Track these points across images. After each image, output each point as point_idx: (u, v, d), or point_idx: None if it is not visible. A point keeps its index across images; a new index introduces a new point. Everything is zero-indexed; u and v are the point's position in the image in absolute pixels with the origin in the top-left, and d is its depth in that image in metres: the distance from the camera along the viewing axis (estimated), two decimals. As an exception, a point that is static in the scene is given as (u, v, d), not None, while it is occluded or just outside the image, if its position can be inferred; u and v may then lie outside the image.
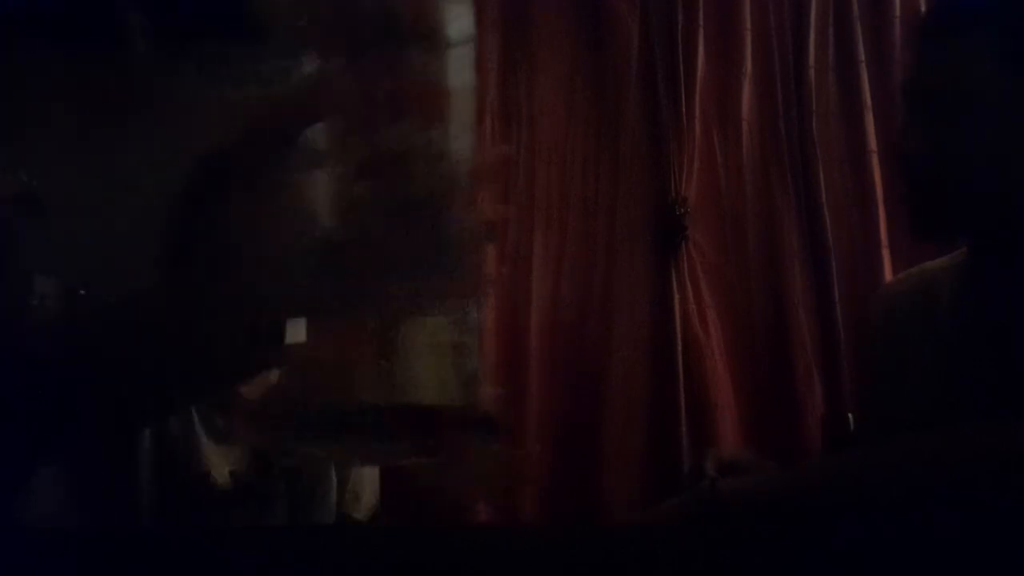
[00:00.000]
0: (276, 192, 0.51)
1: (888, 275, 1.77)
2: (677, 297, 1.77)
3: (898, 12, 1.99)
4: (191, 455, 1.01)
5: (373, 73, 0.37)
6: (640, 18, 1.92)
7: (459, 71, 0.43)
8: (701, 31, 1.91)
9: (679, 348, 1.74)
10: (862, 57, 1.95)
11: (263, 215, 0.50)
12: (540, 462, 1.66)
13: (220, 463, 1.05)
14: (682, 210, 1.80)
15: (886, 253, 1.84)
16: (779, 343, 1.81)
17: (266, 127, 0.49)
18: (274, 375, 1.20)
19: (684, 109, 1.85)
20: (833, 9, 2.01)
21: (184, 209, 0.63)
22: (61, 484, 1.03)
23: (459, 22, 0.43)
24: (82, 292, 1.91)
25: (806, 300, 1.86)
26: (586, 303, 1.80)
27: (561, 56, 1.93)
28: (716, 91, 1.92)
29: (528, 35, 1.93)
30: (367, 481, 1.18)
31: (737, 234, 1.86)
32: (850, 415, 1.29)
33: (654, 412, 1.74)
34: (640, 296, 1.79)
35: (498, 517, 1.55)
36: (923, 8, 2.00)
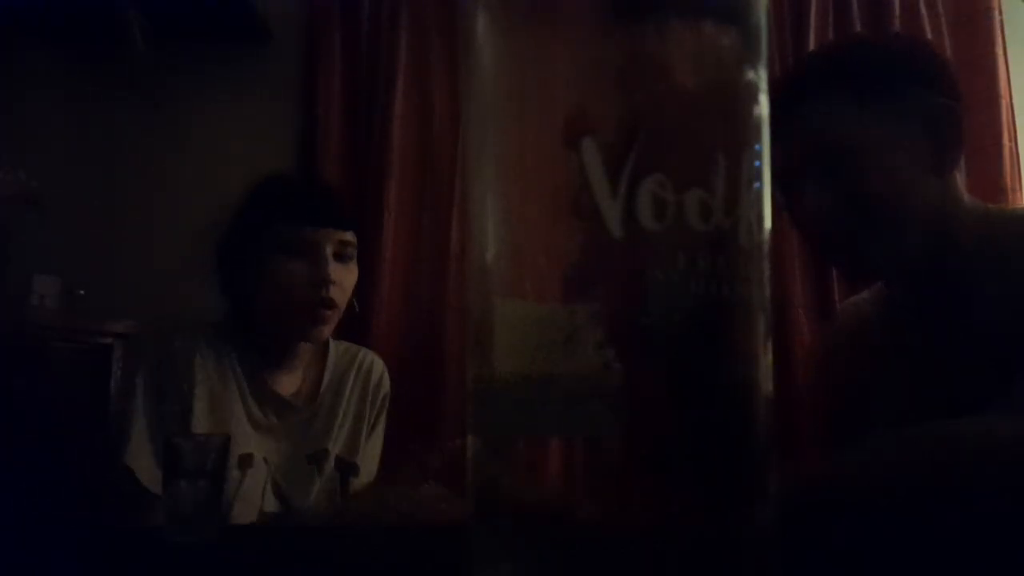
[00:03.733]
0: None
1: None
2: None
3: (898, 12, 1.99)
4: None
5: None
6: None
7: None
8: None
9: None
10: (862, 57, 1.95)
11: None
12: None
13: (260, 450, 1.13)
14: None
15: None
16: (779, 343, 1.81)
17: None
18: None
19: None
20: (833, 9, 2.01)
21: None
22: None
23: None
24: (81, 292, 1.92)
25: (806, 300, 1.86)
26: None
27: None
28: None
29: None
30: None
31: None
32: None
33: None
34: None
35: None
36: (923, 8, 2.01)
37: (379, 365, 1.32)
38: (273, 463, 1.14)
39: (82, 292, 1.94)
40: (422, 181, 1.99)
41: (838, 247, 0.90)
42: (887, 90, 0.86)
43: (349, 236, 1.18)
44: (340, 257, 1.17)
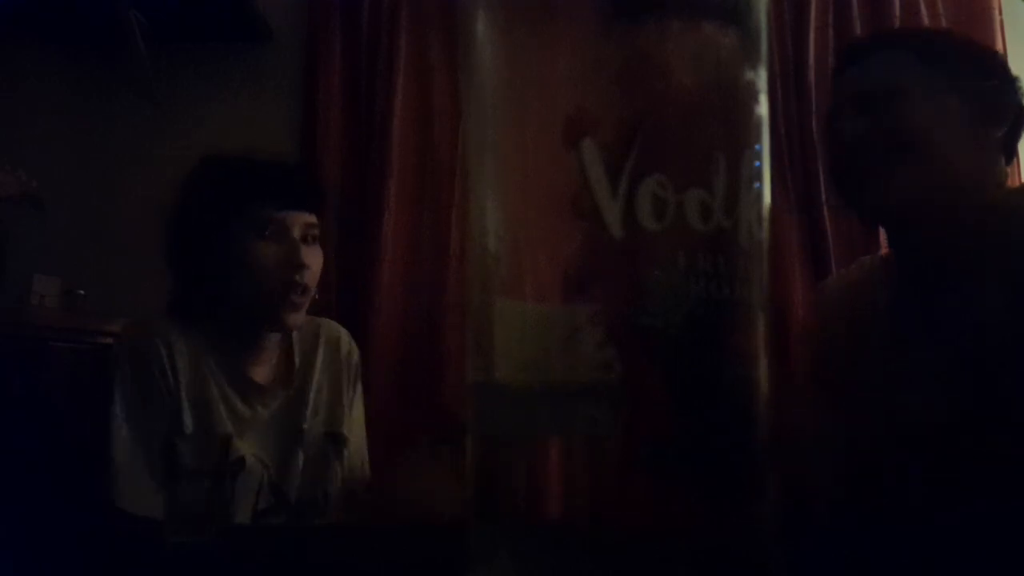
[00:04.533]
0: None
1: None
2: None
3: (898, 12, 1.99)
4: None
5: None
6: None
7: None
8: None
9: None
10: (862, 57, 1.95)
11: None
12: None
13: (247, 447, 1.08)
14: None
15: (885, 253, 1.84)
16: (779, 342, 1.80)
17: None
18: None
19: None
20: (833, 9, 2.01)
21: None
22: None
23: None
24: (81, 292, 1.91)
25: (806, 300, 1.86)
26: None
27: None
28: (716, 91, 1.92)
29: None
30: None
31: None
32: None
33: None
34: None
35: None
36: (923, 8, 2.01)
37: (344, 333, 1.28)
38: (263, 458, 1.11)
39: (82, 292, 1.94)
40: (422, 181, 1.99)
41: (863, 177, 0.94)
42: (946, 64, 0.94)
43: (314, 219, 1.15)
44: (306, 240, 1.13)
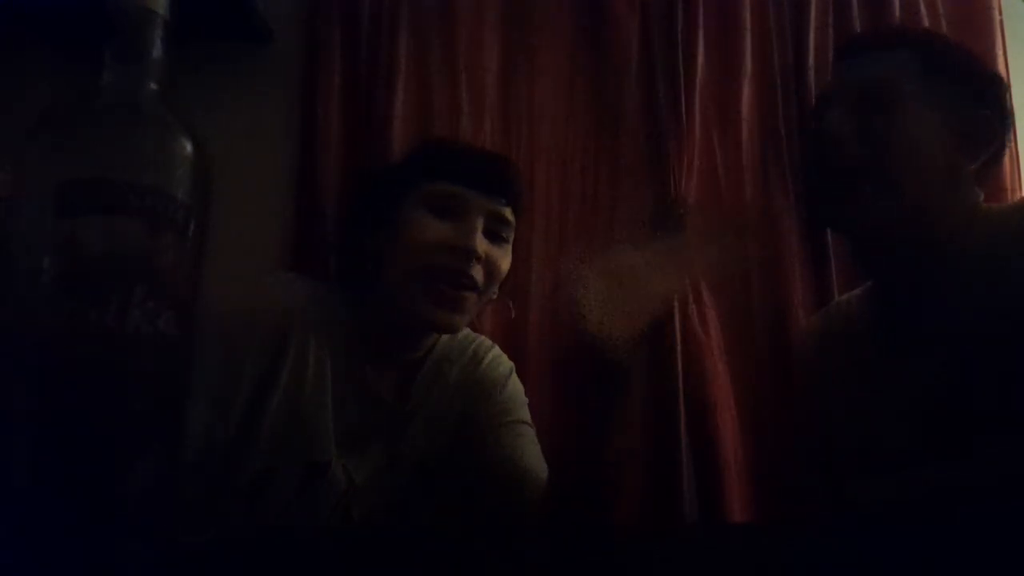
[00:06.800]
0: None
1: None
2: (677, 297, 1.77)
3: (898, 12, 1.99)
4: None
5: None
6: (640, 18, 1.92)
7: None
8: (701, 31, 1.91)
9: (678, 348, 1.74)
10: (862, 57, 1.94)
11: None
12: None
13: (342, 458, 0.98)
14: (682, 210, 1.80)
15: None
16: (779, 343, 1.80)
17: None
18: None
19: (684, 109, 1.85)
20: (833, 9, 2.01)
21: None
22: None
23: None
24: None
25: (806, 301, 1.87)
26: (586, 303, 1.80)
27: (561, 56, 1.93)
28: (716, 91, 1.92)
29: (528, 35, 1.93)
30: None
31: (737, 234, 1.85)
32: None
33: (653, 412, 1.74)
34: (639, 296, 1.78)
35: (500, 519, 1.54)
36: (923, 8, 2.01)
37: (497, 359, 1.09)
38: (353, 473, 0.97)
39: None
40: (422, 181, 1.99)
41: (842, 188, 0.90)
42: (947, 78, 0.90)
43: (507, 212, 0.98)
44: (492, 236, 0.97)
